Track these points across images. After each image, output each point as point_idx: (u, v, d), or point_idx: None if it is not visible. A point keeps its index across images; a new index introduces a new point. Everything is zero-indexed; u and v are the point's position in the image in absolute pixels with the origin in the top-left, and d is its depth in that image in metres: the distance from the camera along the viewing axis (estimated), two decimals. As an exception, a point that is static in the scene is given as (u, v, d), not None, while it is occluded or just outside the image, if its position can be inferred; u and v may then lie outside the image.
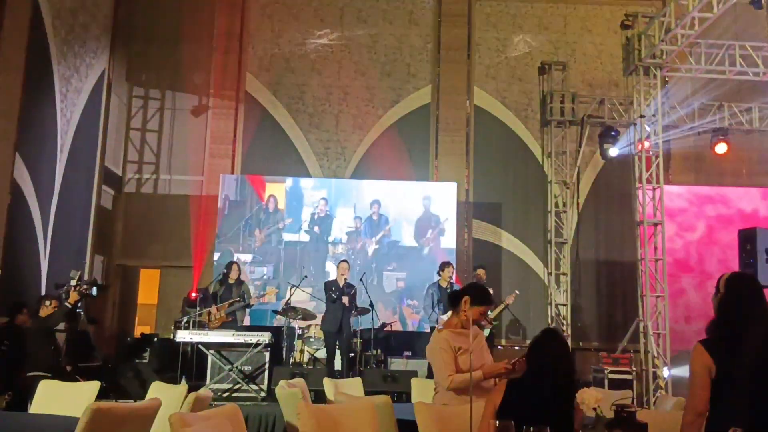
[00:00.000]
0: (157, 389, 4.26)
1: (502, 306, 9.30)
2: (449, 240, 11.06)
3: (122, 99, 11.91)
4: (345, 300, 8.29)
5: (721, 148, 11.04)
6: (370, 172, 11.65)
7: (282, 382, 4.91)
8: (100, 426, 2.88)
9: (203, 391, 4.09)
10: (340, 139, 11.99)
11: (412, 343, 9.70)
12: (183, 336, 7.72)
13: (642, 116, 9.83)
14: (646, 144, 9.91)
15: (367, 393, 5.41)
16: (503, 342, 11.10)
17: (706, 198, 11.17)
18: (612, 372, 8.84)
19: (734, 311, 2.87)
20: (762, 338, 2.76)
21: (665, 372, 9.21)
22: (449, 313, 4.12)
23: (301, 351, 8.73)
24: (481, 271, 9.76)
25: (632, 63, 10.04)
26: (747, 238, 7.66)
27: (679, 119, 11.10)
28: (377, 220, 11.16)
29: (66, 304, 6.55)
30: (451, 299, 3.97)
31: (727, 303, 2.93)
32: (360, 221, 11.15)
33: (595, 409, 2.65)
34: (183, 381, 7.63)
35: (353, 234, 11.07)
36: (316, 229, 11.04)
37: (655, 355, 9.25)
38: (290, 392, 4.37)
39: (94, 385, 4.33)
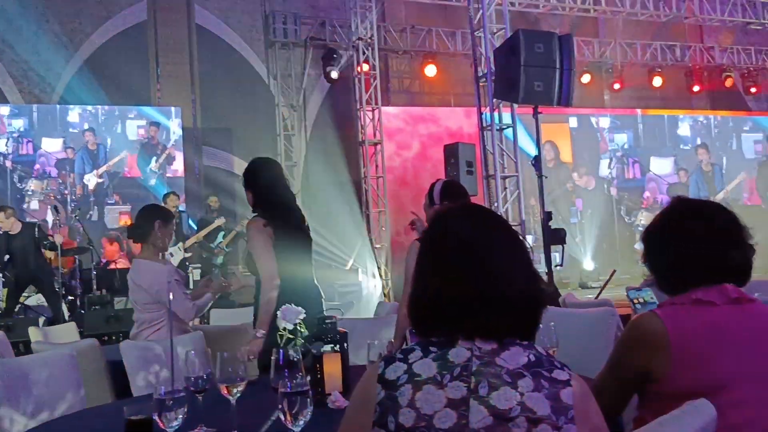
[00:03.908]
0: None
1: (233, 233, 9.21)
2: (178, 168, 10.56)
3: None
4: None
5: (430, 70, 11.93)
6: (82, 97, 10.49)
7: (-28, 339, 4.32)
8: None
9: None
10: (42, 59, 10.53)
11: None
12: None
13: (360, 39, 10.17)
14: (365, 67, 10.32)
15: (86, 337, 5.01)
16: (241, 269, 11.06)
17: (420, 118, 12.08)
18: (342, 286, 9.36)
19: None
20: None
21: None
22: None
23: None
24: (213, 199, 9.66)
25: (351, -17, 10.26)
26: (451, 153, 8.45)
27: (394, 42, 11.69)
28: (95, 150, 10.21)
29: None
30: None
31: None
32: (73, 152, 10.10)
33: (296, 324, 2.71)
34: None
35: (64, 164, 9.99)
36: (8, 164, 9.74)
37: (378, 266, 10.00)
38: (-22, 349, 3.85)
39: None
